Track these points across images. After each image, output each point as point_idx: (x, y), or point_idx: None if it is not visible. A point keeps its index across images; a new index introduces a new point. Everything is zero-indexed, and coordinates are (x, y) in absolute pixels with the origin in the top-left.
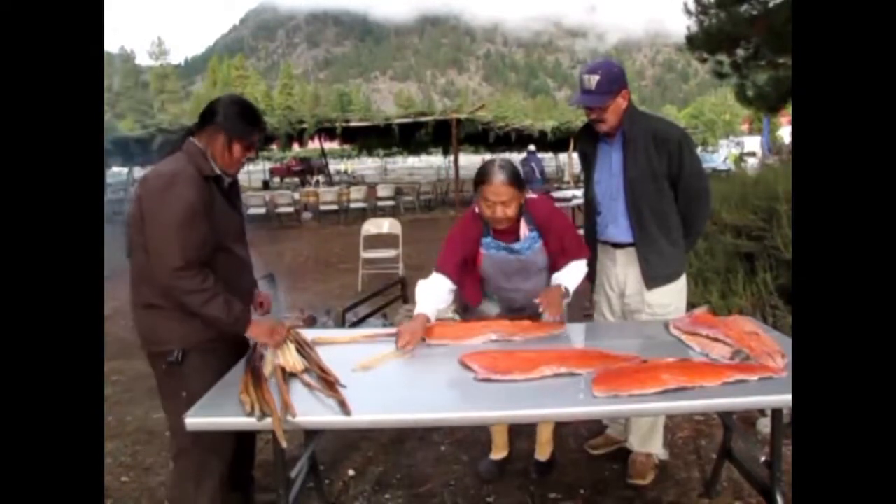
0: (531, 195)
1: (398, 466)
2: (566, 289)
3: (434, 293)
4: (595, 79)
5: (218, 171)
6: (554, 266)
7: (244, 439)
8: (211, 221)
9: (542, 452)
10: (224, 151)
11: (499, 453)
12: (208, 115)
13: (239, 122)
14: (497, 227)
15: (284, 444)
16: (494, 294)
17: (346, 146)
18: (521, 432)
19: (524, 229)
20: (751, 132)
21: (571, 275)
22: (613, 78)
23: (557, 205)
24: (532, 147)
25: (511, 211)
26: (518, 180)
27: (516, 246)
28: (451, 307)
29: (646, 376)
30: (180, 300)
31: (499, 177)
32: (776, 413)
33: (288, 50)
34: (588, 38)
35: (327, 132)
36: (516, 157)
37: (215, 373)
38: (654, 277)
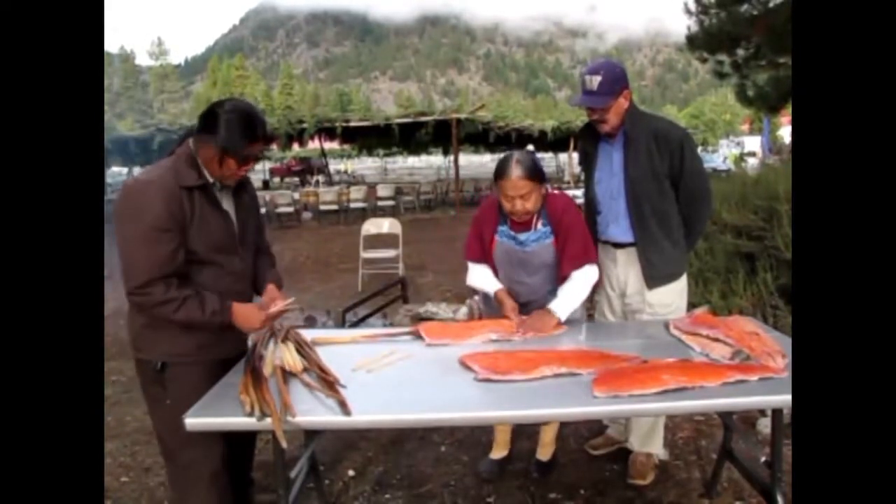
0: (553, 191)
1: (398, 466)
2: (559, 318)
3: (484, 276)
4: (597, 79)
5: (208, 179)
6: (558, 272)
7: (243, 441)
8: (189, 234)
9: (544, 453)
10: (214, 163)
11: (500, 452)
12: (209, 119)
13: (234, 135)
14: (517, 220)
15: (284, 445)
16: (504, 283)
17: (346, 146)
18: (522, 432)
19: (538, 223)
20: (751, 132)
21: (573, 294)
22: (615, 78)
23: None
24: (531, 147)
25: (531, 204)
26: (536, 173)
27: (522, 237)
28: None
29: (646, 376)
30: (152, 313)
31: (515, 171)
32: (776, 413)
33: (288, 50)
34: (588, 37)
35: (327, 132)
36: None
37: (200, 384)
38: (655, 277)
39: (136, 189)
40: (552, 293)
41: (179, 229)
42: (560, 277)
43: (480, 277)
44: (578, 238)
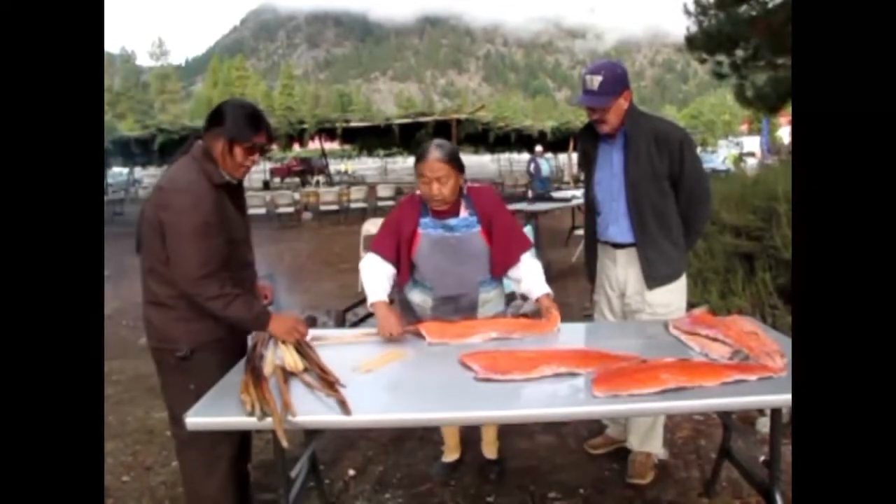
0: (474, 184)
1: (398, 466)
2: (548, 293)
3: (378, 278)
4: (598, 79)
5: (227, 178)
6: (501, 259)
7: (244, 435)
8: (224, 229)
9: (491, 451)
10: (225, 155)
11: (451, 455)
12: (216, 115)
13: (239, 125)
14: (435, 208)
15: (285, 444)
16: (426, 280)
17: (347, 146)
18: (520, 432)
19: (463, 212)
20: (750, 132)
21: (536, 276)
22: (616, 79)
23: (557, 205)
24: (539, 148)
25: (447, 189)
26: (455, 160)
27: (452, 222)
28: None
29: (645, 376)
30: (203, 306)
31: (434, 154)
32: (775, 413)
33: (288, 50)
34: (587, 38)
35: (327, 132)
36: (517, 157)
37: (223, 367)
38: (655, 277)
39: (183, 190)
40: (482, 285)
41: (221, 223)
42: (504, 265)
43: (370, 277)
44: (517, 230)
